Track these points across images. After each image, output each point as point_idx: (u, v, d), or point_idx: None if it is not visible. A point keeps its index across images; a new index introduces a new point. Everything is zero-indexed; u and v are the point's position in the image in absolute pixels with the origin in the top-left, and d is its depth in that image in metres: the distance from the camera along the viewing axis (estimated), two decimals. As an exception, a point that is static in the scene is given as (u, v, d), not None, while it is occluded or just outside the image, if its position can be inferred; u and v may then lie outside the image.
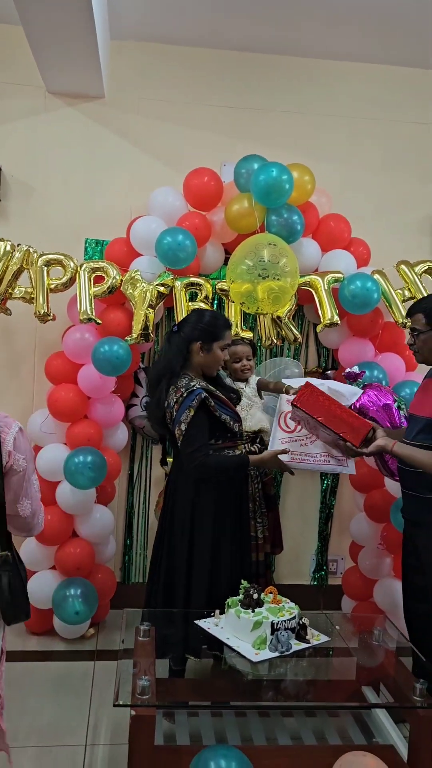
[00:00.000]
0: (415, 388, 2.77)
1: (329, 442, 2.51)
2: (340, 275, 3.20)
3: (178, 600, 2.49)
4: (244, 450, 2.61)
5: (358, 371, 2.85)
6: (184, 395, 2.41)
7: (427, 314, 2.40)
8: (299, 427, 2.57)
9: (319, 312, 3.18)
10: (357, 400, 2.75)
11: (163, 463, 3.08)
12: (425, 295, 3.08)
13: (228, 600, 2.24)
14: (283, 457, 2.53)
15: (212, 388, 2.53)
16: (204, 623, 2.26)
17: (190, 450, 2.39)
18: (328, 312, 3.14)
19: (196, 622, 2.28)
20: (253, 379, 3.13)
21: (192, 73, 3.62)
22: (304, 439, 2.56)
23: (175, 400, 2.44)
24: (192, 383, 2.45)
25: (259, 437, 2.94)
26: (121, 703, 1.82)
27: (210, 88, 3.63)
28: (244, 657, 2.04)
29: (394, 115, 3.76)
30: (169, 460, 2.92)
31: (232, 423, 2.52)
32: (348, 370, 2.87)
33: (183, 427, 2.40)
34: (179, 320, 3.02)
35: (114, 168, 3.57)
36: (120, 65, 3.55)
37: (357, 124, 3.74)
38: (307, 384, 2.48)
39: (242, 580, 2.31)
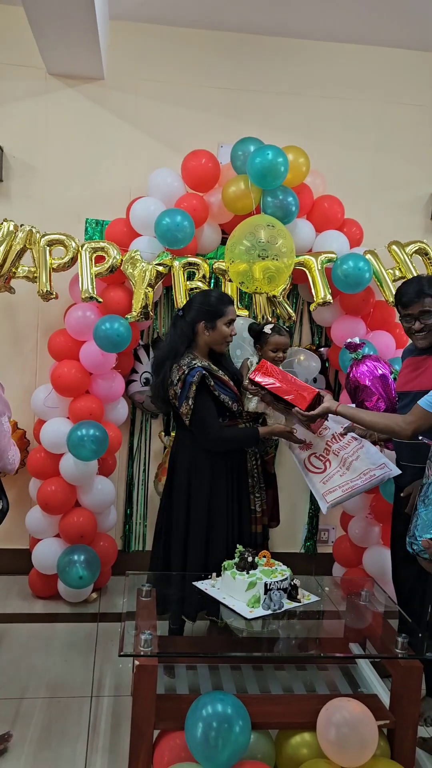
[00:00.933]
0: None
1: (284, 414, 2.72)
2: (333, 255, 3.31)
3: (176, 565, 2.66)
4: (245, 426, 2.76)
5: (358, 342, 2.96)
6: (186, 372, 2.56)
7: None
8: (327, 463, 2.70)
9: (313, 291, 3.29)
10: (354, 369, 2.88)
11: (167, 433, 3.20)
12: (415, 274, 3.18)
13: (224, 563, 2.39)
14: (332, 496, 2.64)
15: (214, 368, 2.66)
16: (201, 584, 2.42)
17: (203, 429, 2.58)
18: (321, 291, 3.25)
19: (194, 583, 2.43)
20: None
21: (190, 55, 3.68)
22: (339, 468, 2.67)
23: (177, 377, 2.58)
24: (194, 362, 2.58)
25: (261, 418, 3.04)
26: (125, 652, 1.96)
27: (207, 69, 3.69)
28: (239, 614, 2.20)
29: (388, 97, 3.83)
30: (172, 434, 3.05)
31: (231, 403, 2.66)
32: (349, 340, 2.98)
33: (191, 402, 2.55)
34: (178, 299, 3.15)
35: (113, 149, 3.65)
36: (119, 46, 3.61)
37: (352, 105, 3.81)
38: (263, 362, 2.71)
39: (238, 545, 2.47)
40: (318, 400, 2.54)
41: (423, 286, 2.46)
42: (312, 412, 2.52)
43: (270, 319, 3.34)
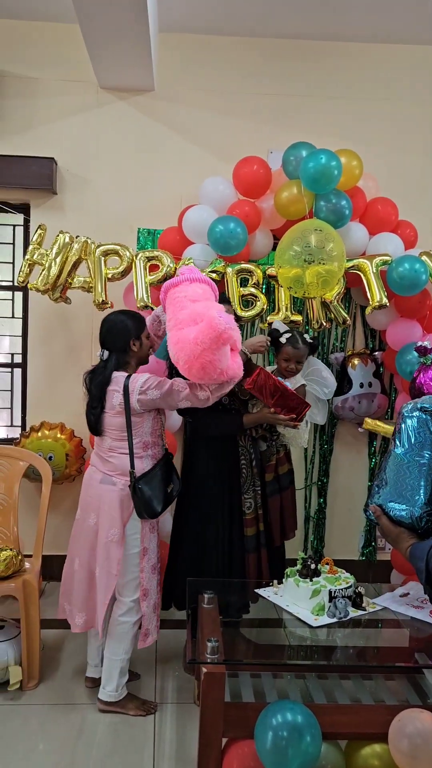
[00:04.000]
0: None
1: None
2: (388, 257, 3.26)
3: (171, 569, 2.83)
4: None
5: (430, 346, 2.91)
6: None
7: None
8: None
9: (368, 294, 3.25)
10: (421, 374, 2.84)
11: None
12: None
13: (287, 570, 2.38)
14: None
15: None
16: (264, 592, 2.40)
17: (192, 412, 2.66)
18: (376, 294, 3.21)
19: (256, 590, 2.42)
20: (297, 381, 3.02)
21: (237, 63, 3.70)
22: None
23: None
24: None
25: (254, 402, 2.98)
26: (194, 659, 1.96)
27: (255, 76, 3.71)
28: (303, 622, 2.18)
29: (439, 97, 3.77)
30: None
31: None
32: (420, 343, 2.95)
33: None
34: (233, 306, 3.16)
35: (164, 159, 3.69)
36: (168, 58, 3.65)
37: (402, 106, 3.76)
38: (259, 369, 2.71)
39: (299, 552, 2.45)
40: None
41: None
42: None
43: (324, 323, 3.31)
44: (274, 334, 2.96)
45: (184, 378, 2.46)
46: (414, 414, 1.35)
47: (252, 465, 2.82)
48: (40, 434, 3.57)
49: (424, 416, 1.34)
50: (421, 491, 1.30)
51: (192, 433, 2.81)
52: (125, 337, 2.63)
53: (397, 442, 1.35)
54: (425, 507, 1.30)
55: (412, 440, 1.33)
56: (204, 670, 2.00)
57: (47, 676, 2.71)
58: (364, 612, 2.27)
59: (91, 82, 3.61)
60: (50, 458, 3.47)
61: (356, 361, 3.61)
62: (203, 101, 3.70)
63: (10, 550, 2.72)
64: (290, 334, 2.92)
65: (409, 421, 1.35)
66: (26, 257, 3.25)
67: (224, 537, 2.75)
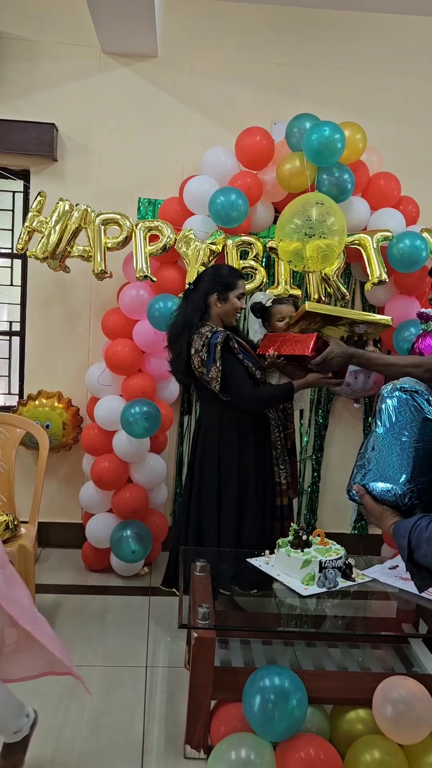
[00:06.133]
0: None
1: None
2: (389, 233, 3.25)
3: (210, 539, 2.71)
4: None
5: None
6: (209, 337, 2.61)
7: None
8: None
9: (368, 270, 3.24)
10: (420, 340, 2.85)
11: (187, 412, 3.23)
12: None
13: (278, 541, 2.41)
14: None
15: (233, 335, 2.70)
16: (256, 561, 2.44)
17: (238, 391, 2.61)
18: (376, 270, 3.20)
19: (248, 560, 2.46)
20: None
21: (243, 31, 3.63)
22: None
23: (201, 343, 2.61)
24: (214, 328, 2.65)
25: None
26: (185, 623, 2.01)
27: (261, 45, 3.64)
28: (294, 591, 2.22)
29: (447, 70, 3.72)
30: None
31: (254, 369, 2.70)
32: (422, 310, 2.96)
33: (219, 365, 2.57)
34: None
35: (167, 127, 3.64)
36: (172, 24, 3.58)
37: (409, 80, 3.71)
38: (265, 335, 2.84)
39: (292, 525, 2.49)
40: (323, 344, 2.51)
41: None
42: (319, 358, 2.47)
43: (323, 298, 3.31)
44: (258, 306, 2.99)
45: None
46: (394, 394, 1.38)
47: (282, 437, 2.85)
48: (37, 402, 3.59)
49: (404, 396, 1.37)
50: (404, 469, 1.33)
51: (248, 408, 2.69)
52: None
53: (378, 422, 1.38)
54: (408, 485, 1.32)
55: (393, 419, 1.36)
56: (195, 634, 2.05)
57: (41, 639, 2.77)
58: (353, 583, 2.31)
59: (94, 47, 3.54)
60: (47, 426, 3.49)
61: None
62: (207, 69, 3.64)
63: (7, 515, 2.76)
64: (272, 297, 3.01)
65: (389, 401, 1.38)
66: (25, 224, 3.23)
67: (260, 508, 2.74)
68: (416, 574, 1.22)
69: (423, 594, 2.19)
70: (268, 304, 2.97)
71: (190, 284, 2.81)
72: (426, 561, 1.19)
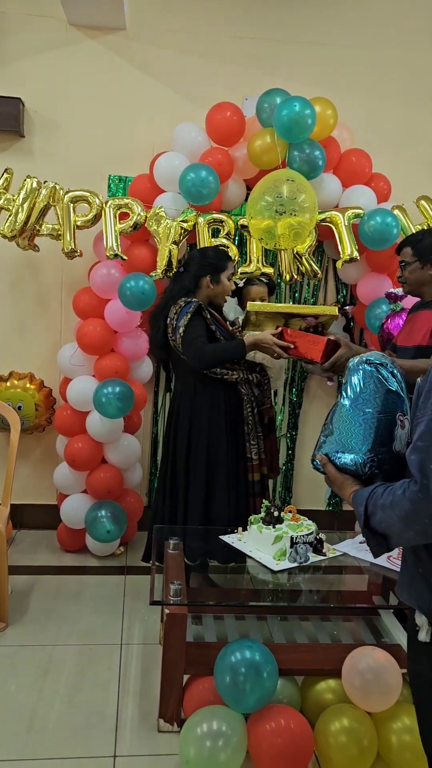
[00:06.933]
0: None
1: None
2: (360, 211, 3.25)
3: (180, 514, 2.74)
4: (242, 374, 2.78)
5: (400, 293, 2.95)
6: (182, 305, 2.65)
7: (413, 247, 2.51)
8: None
9: (339, 247, 3.24)
10: (389, 320, 2.89)
11: (170, 389, 3.23)
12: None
13: (251, 517, 2.43)
14: None
15: (212, 310, 2.73)
16: (228, 538, 2.46)
17: (191, 346, 2.61)
18: (347, 247, 3.20)
19: (220, 537, 2.48)
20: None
21: (214, 4, 3.57)
22: None
23: (175, 311, 2.66)
24: (189, 299, 2.67)
25: (258, 366, 3.00)
26: (157, 599, 2.02)
27: (231, 19, 3.58)
28: (265, 567, 2.24)
29: (419, 45, 3.69)
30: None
31: (224, 341, 2.72)
32: (390, 290, 2.98)
33: (181, 330, 2.62)
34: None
35: (136, 103, 3.58)
36: (141, -5, 3.51)
37: (381, 54, 3.68)
38: (283, 330, 2.63)
39: (264, 501, 2.51)
40: (334, 345, 2.44)
41: (407, 238, 2.56)
42: (327, 364, 2.40)
43: (295, 276, 3.31)
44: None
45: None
46: (360, 367, 1.39)
47: (254, 413, 2.86)
48: (9, 384, 3.55)
49: (369, 368, 1.38)
50: (366, 440, 1.35)
51: (199, 364, 2.63)
52: None
53: (344, 394, 1.40)
54: (369, 454, 1.35)
55: (357, 391, 1.38)
56: (167, 611, 2.06)
57: (15, 620, 2.77)
58: (324, 557, 2.34)
59: (60, 19, 3.45)
60: (19, 408, 3.46)
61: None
62: (177, 43, 3.57)
63: (-22, 497, 2.74)
64: (244, 279, 3.03)
65: (355, 374, 1.39)
66: (-8, 202, 3.17)
67: (231, 482, 2.76)
68: (372, 540, 1.24)
69: (388, 566, 2.23)
70: (241, 284, 2.97)
71: (179, 266, 2.83)
72: (380, 527, 1.21)
